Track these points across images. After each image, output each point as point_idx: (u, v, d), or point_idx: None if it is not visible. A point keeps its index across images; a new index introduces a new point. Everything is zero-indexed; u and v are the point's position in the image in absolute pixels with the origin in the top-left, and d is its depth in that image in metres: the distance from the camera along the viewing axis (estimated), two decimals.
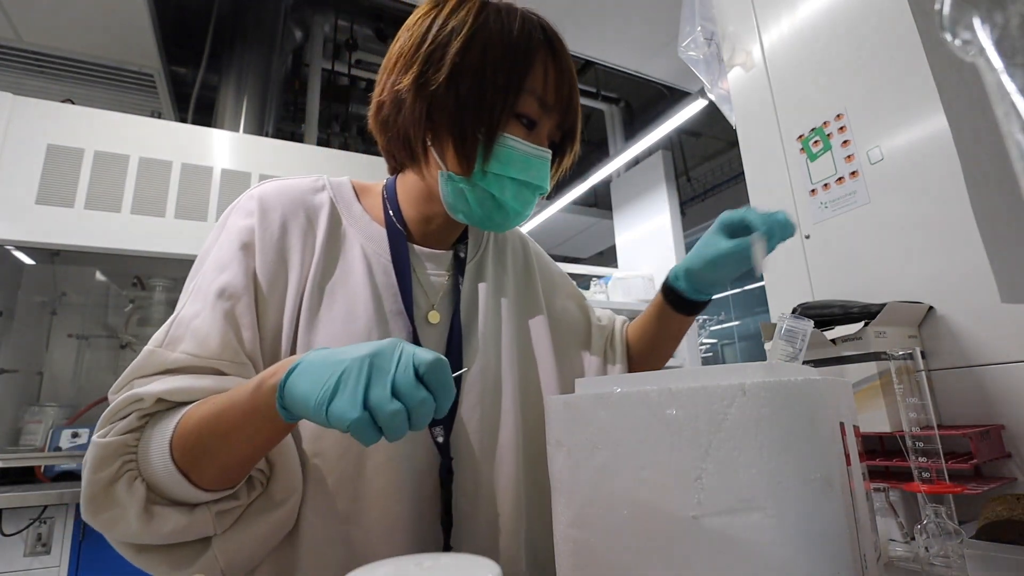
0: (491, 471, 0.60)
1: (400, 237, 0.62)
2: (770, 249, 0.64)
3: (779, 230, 0.64)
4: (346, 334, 0.55)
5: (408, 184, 0.65)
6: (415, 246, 0.65)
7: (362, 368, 0.37)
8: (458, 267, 0.67)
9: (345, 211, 0.63)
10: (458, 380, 0.55)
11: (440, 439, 0.58)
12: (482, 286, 0.68)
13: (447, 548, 0.56)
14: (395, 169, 0.67)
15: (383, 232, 0.63)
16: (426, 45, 0.56)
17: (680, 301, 0.73)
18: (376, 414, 0.36)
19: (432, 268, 0.65)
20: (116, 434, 0.47)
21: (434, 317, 0.62)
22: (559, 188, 3.87)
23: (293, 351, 0.55)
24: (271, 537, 0.52)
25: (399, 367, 0.37)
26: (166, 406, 0.49)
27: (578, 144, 0.64)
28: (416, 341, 0.59)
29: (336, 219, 0.62)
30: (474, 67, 0.54)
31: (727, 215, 0.67)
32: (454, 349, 0.61)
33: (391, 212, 0.64)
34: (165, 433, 0.47)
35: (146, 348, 0.52)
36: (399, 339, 0.40)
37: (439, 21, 0.56)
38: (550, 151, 0.59)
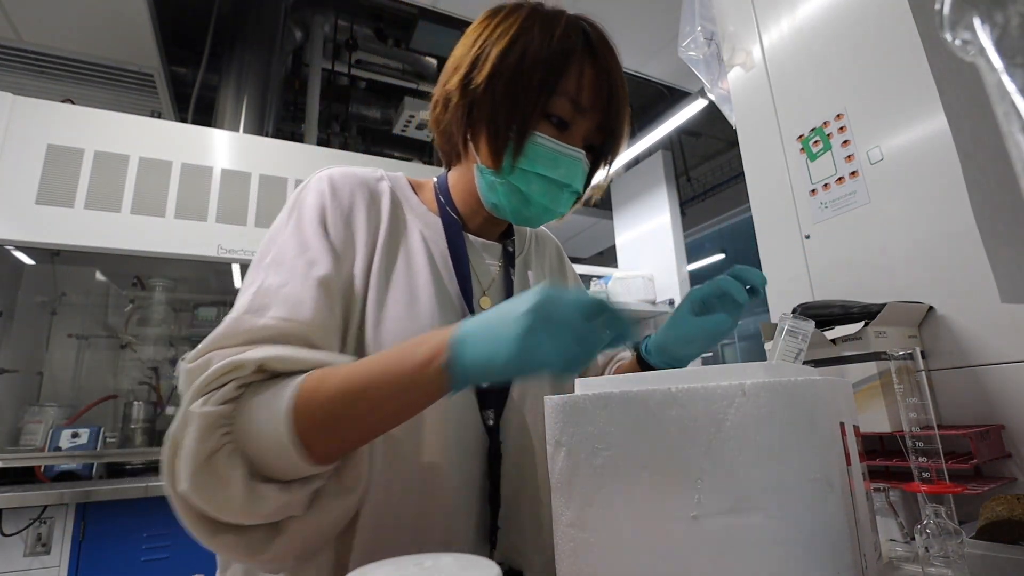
0: (533, 459, 0.63)
1: (456, 225, 0.66)
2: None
3: (753, 293, 0.66)
4: (409, 316, 0.58)
5: (456, 178, 0.68)
6: (468, 235, 0.68)
7: (541, 311, 0.40)
8: (507, 259, 0.71)
9: (404, 200, 0.66)
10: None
11: (490, 422, 0.60)
12: (530, 274, 0.74)
13: (494, 529, 0.58)
14: (448, 166, 0.71)
15: (439, 221, 0.66)
16: (474, 49, 0.60)
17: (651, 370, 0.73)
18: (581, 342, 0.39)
19: (484, 257, 0.69)
20: (215, 403, 0.44)
21: (486, 303, 0.66)
22: None
23: (362, 327, 0.56)
24: (340, 522, 0.51)
25: (571, 303, 0.41)
26: (262, 376, 0.47)
27: (622, 146, 0.65)
28: None
29: (397, 205, 0.65)
30: (512, 69, 0.57)
31: (696, 291, 0.67)
32: None
33: (445, 203, 0.67)
34: (281, 401, 0.44)
35: (228, 317, 0.50)
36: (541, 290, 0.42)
37: (490, 28, 0.61)
38: (582, 151, 0.60)
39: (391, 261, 0.61)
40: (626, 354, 0.79)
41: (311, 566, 0.53)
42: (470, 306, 0.62)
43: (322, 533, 0.50)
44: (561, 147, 0.58)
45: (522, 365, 0.39)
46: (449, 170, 0.71)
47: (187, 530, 0.45)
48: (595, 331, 0.41)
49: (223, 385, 0.45)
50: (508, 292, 0.69)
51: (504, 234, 0.73)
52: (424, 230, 0.64)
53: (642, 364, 0.74)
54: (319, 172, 0.63)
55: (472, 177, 0.64)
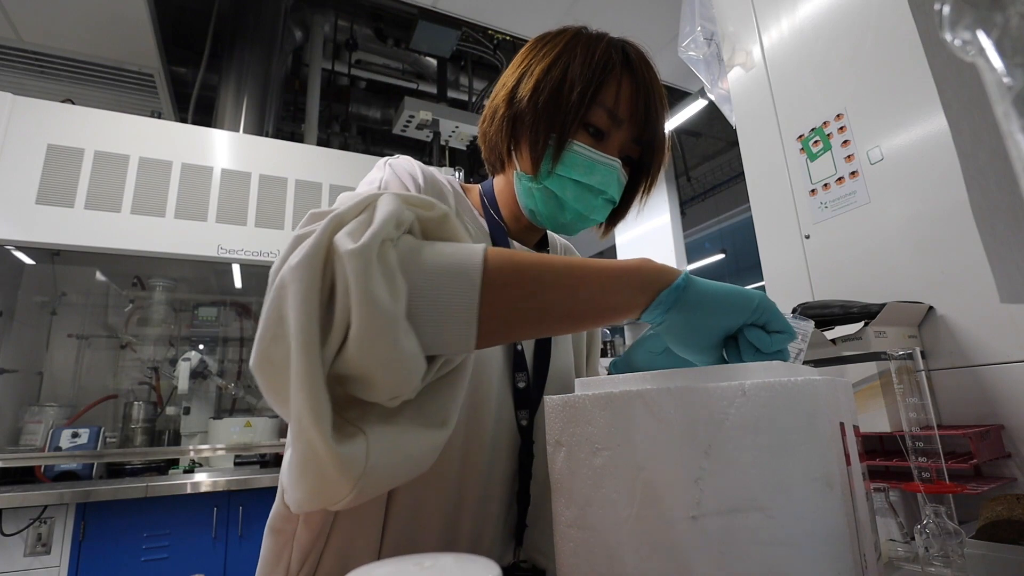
0: None
1: (500, 229, 0.68)
2: None
3: None
4: None
5: (499, 187, 0.71)
6: (511, 240, 0.70)
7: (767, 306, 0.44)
8: None
9: (462, 199, 0.69)
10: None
11: (524, 422, 0.61)
12: None
13: (522, 527, 0.60)
14: (492, 176, 0.74)
15: (484, 224, 0.69)
16: (520, 67, 0.65)
17: None
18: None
19: None
20: (408, 209, 0.39)
21: None
22: None
23: None
24: (418, 462, 0.41)
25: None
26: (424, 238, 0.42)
27: (664, 159, 0.67)
28: None
29: (460, 201, 0.68)
30: (554, 83, 0.61)
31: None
32: (544, 341, 0.66)
33: (489, 207, 0.70)
34: (471, 247, 0.40)
35: (359, 194, 0.44)
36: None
37: (536, 49, 0.65)
38: (617, 160, 0.62)
39: None
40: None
41: (351, 546, 0.53)
42: None
43: (392, 465, 0.38)
44: (597, 155, 0.61)
45: (723, 328, 0.43)
46: (494, 179, 0.74)
47: (295, 349, 0.33)
48: (784, 347, 0.44)
49: (409, 211, 0.40)
50: None
51: (539, 244, 0.76)
52: (475, 232, 0.67)
53: None
54: (400, 156, 0.66)
55: (513, 185, 0.67)
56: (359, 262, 0.33)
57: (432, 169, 0.67)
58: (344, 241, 0.34)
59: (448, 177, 0.70)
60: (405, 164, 0.63)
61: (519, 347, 0.63)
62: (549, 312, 0.42)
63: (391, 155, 0.69)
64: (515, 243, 0.71)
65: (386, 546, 0.54)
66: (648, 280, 0.43)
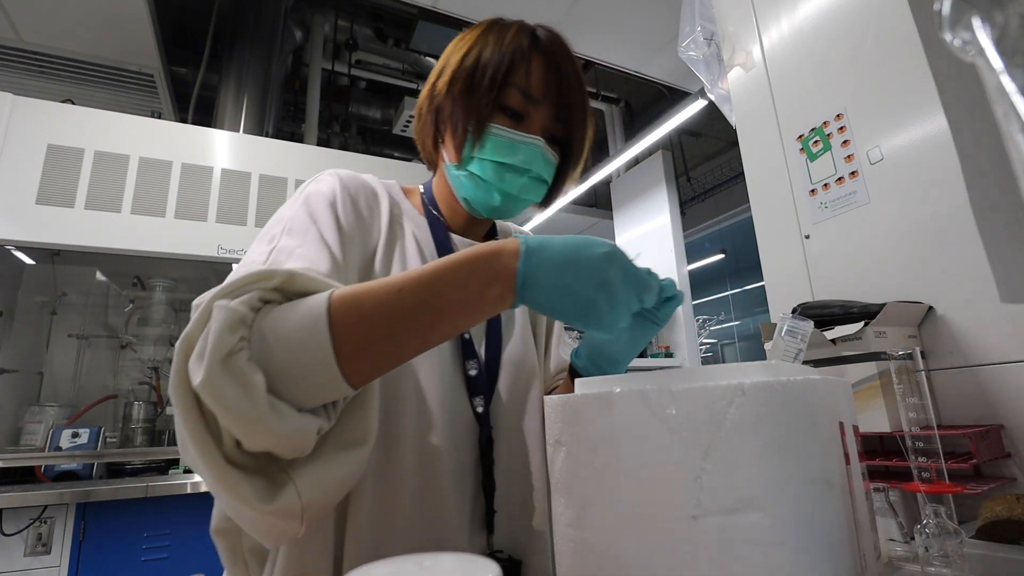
0: (523, 446, 0.64)
1: (440, 224, 0.69)
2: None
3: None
4: None
5: (437, 183, 0.72)
6: (453, 235, 0.70)
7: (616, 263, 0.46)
8: None
9: (399, 202, 0.70)
10: None
11: (480, 409, 0.61)
12: None
13: (490, 512, 0.59)
14: (433, 172, 0.75)
15: (426, 222, 0.69)
16: (440, 64, 0.67)
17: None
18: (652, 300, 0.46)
19: None
20: (240, 305, 0.41)
21: None
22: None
23: None
24: (348, 480, 0.47)
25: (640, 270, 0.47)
26: (281, 298, 0.45)
27: (588, 135, 0.68)
28: None
29: (395, 205, 0.69)
30: (467, 71, 0.63)
31: None
32: (495, 327, 0.67)
33: (428, 206, 0.71)
34: (315, 304, 0.42)
35: (244, 268, 0.49)
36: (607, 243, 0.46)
37: (455, 43, 0.67)
38: (540, 139, 0.63)
39: (390, 257, 0.64)
40: (564, 373, 0.75)
41: (306, 550, 0.52)
42: None
43: (330, 493, 0.46)
44: (516, 135, 0.62)
45: (595, 283, 0.43)
46: (433, 178, 0.75)
47: (193, 453, 0.40)
48: (655, 286, 0.47)
49: (246, 293, 0.42)
50: None
51: (488, 236, 0.76)
52: (416, 231, 0.67)
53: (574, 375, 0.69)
54: (324, 171, 0.66)
55: (446, 179, 0.69)
56: (206, 390, 0.38)
57: (365, 178, 0.68)
58: (194, 371, 0.39)
59: (387, 183, 0.71)
60: (323, 190, 0.62)
61: (467, 335, 0.63)
62: (411, 340, 0.44)
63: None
64: (456, 237, 0.70)
65: (348, 548, 0.52)
66: (490, 276, 0.43)
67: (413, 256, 0.65)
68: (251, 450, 0.41)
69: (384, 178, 0.74)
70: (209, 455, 0.40)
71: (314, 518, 0.44)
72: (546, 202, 0.71)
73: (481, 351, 0.65)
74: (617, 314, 0.44)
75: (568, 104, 0.64)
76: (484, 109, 0.61)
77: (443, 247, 0.67)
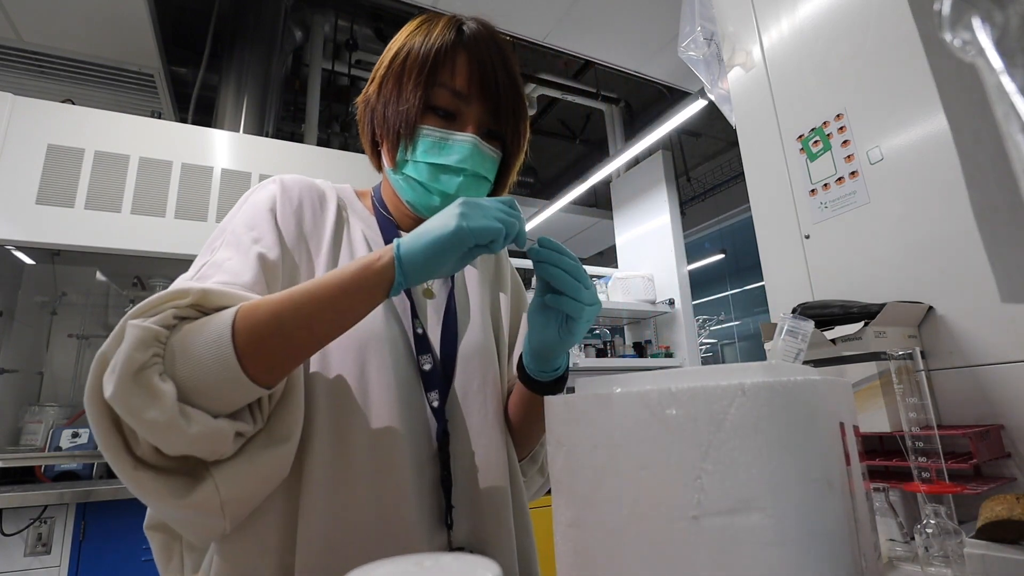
0: (482, 440, 0.64)
1: (389, 224, 0.69)
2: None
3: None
4: None
5: (384, 184, 0.72)
6: (402, 232, 0.70)
7: (468, 200, 0.50)
8: None
9: (348, 204, 0.70)
10: None
11: (435, 404, 0.61)
12: (470, 270, 0.75)
13: (449, 508, 0.58)
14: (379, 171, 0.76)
15: (375, 222, 0.70)
16: (376, 64, 0.67)
17: (528, 379, 0.66)
18: (504, 221, 0.49)
19: None
20: (153, 324, 0.45)
21: (428, 294, 0.68)
22: (559, 188, 3.87)
23: None
24: (271, 477, 0.51)
25: (490, 200, 0.51)
26: (198, 313, 0.48)
27: (524, 125, 0.66)
28: (415, 313, 0.65)
29: (343, 207, 0.69)
30: (395, 73, 0.62)
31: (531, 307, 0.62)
32: (450, 322, 0.67)
33: (379, 207, 0.71)
34: (221, 317, 0.47)
35: (173, 284, 0.51)
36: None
37: (391, 43, 0.66)
38: (473, 136, 0.61)
39: (335, 257, 0.64)
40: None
41: (242, 549, 0.52)
42: (410, 297, 0.65)
43: (251, 489, 0.50)
44: (446, 133, 0.61)
45: (458, 236, 0.47)
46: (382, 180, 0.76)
47: (106, 458, 0.45)
48: (514, 213, 0.50)
49: (160, 312, 0.46)
50: (452, 284, 0.71)
51: None
52: (366, 231, 0.68)
53: (522, 374, 0.67)
54: (269, 178, 0.68)
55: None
56: (117, 401, 0.42)
57: (315, 182, 0.68)
58: (107, 384, 0.42)
59: (339, 186, 0.72)
60: (264, 197, 0.63)
61: (420, 330, 0.63)
62: (305, 344, 0.49)
63: None
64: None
65: (301, 547, 0.52)
66: (379, 267, 0.48)
67: (362, 253, 0.65)
68: (171, 454, 0.45)
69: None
70: (118, 459, 0.45)
71: (236, 513, 0.48)
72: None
73: (436, 347, 0.64)
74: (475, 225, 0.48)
75: (495, 97, 0.62)
76: (412, 110, 0.60)
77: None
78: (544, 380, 0.63)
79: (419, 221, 0.69)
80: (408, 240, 0.49)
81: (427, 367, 0.62)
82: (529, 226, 4.16)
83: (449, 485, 0.59)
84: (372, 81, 0.66)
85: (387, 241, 0.67)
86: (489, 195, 0.67)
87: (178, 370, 0.45)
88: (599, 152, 4.49)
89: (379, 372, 0.58)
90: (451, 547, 0.58)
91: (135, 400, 0.42)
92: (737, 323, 7.52)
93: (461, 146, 0.61)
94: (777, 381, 0.34)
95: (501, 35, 0.65)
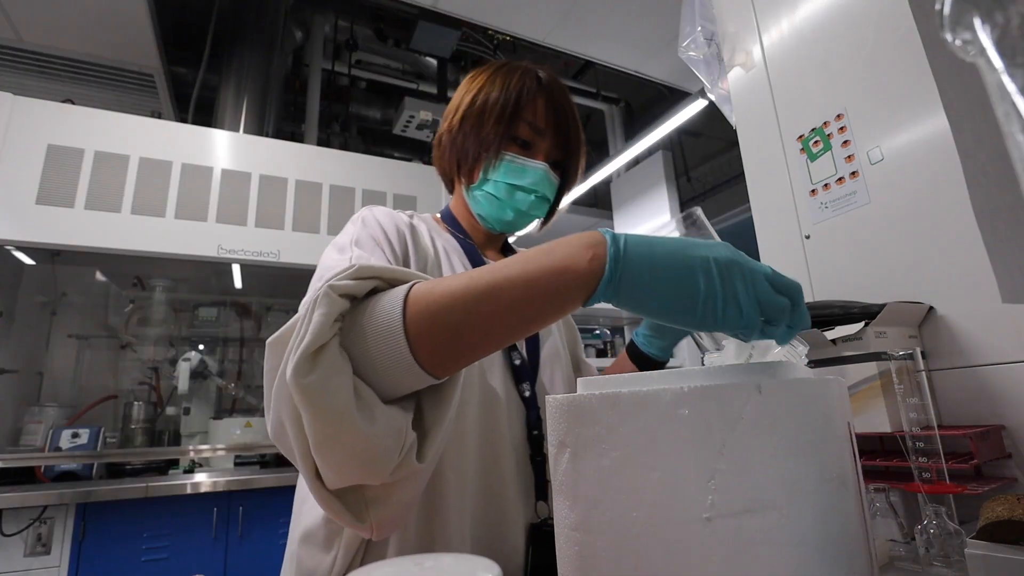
0: None
1: (469, 244, 0.80)
2: None
3: None
4: None
5: (455, 205, 0.84)
6: (477, 248, 0.81)
7: (734, 269, 0.40)
8: None
9: (432, 228, 0.79)
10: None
11: (527, 394, 0.71)
12: None
13: (542, 482, 0.68)
14: (452, 194, 0.86)
15: (454, 239, 0.79)
16: (455, 101, 0.79)
17: (645, 360, 0.79)
18: (767, 310, 0.40)
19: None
20: (339, 293, 0.44)
21: None
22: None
23: None
24: (414, 499, 0.51)
25: (764, 271, 0.41)
26: (386, 285, 0.48)
27: (582, 161, 0.80)
28: None
29: (435, 233, 0.78)
30: (477, 111, 0.75)
31: None
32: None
33: (451, 226, 0.81)
34: (394, 296, 0.45)
35: (326, 272, 0.55)
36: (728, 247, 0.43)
37: (467, 84, 0.79)
38: (544, 163, 0.75)
39: (439, 272, 0.72)
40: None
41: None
42: None
43: (396, 514, 0.49)
44: (526, 161, 0.74)
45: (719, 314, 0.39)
46: (450, 202, 0.86)
47: (306, 478, 0.44)
48: (782, 305, 0.40)
49: (357, 279, 0.45)
50: None
51: (502, 251, 0.87)
52: (453, 253, 0.76)
53: (632, 352, 0.80)
54: (363, 208, 0.75)
55: (465, 201, 0.80)
56: (297, 391, 0.40)
57: (402, 215, 0.75)
58: (290, 371, 0.41)
59: (417, 214, 0.81)
60: (380, 216, 0.71)
61: None
62: (482, 343, 0.45)
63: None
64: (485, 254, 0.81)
65: (417, 519, 0.59)
66: (577, 285, 0.42)
67: (460, 269, 0.74)
68: (335, 481, 0.44)
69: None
70: (307, 465, 0.44)
71: (383, 532, 0.49)
72: (548, 218, 0.84)
73: (522, 348, 0.74)
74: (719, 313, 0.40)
75: (567, 134, 0.76)
76: (499, 138, 0.73)
77: (474, 258, 0.78)
78: (658, 359, 0.77)
79: (486, 238, 0.83)
80: (633, 238, 0.43)
81: (517, 362, 0.72)
82: (531, 227, 4.15)
83: (542, 462, 0.69)
84: (452, 117, 0.78)
85: (468, 255, 0.77)
86: (546, 215, 0.82)
87: (356, 347, 0.44)
88: (599, 152, 4.48)
89: (489, 363, 0.68)
90: (542, 517, 0.67)
91: (318, 375, 0.41)
92: None
93: (535, 171, 0.74)
94: (795, 380, 0.34)
95: (566, 85, 0.79)
